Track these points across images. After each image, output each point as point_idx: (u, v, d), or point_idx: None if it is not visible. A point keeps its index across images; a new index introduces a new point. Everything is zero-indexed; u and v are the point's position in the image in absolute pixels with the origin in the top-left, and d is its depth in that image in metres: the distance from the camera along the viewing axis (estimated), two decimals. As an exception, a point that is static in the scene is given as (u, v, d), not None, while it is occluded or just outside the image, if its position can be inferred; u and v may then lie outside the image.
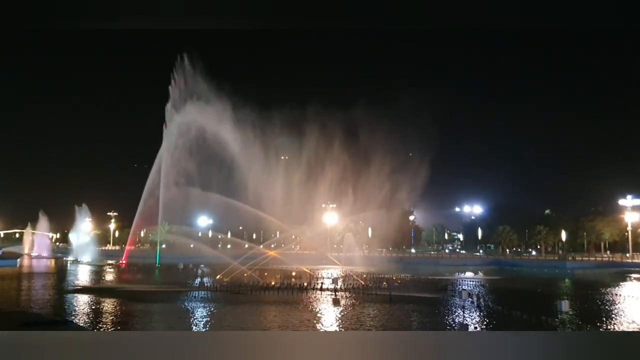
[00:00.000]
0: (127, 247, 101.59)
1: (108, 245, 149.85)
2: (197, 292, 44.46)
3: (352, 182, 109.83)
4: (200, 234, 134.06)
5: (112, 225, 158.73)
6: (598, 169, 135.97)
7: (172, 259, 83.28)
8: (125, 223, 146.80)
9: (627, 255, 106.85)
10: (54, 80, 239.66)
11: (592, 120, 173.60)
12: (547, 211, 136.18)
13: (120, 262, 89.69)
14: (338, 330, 29.12)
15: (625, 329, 30.08)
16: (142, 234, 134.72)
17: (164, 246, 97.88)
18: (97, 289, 48.02)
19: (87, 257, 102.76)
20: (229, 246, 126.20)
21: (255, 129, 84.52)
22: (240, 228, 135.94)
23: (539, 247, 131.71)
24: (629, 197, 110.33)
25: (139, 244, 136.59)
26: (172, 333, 20.61)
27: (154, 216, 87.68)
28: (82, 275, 66.64)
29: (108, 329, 28.11)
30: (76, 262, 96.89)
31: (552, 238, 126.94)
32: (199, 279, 55.91)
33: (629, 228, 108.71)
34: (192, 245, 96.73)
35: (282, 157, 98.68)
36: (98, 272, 72.05)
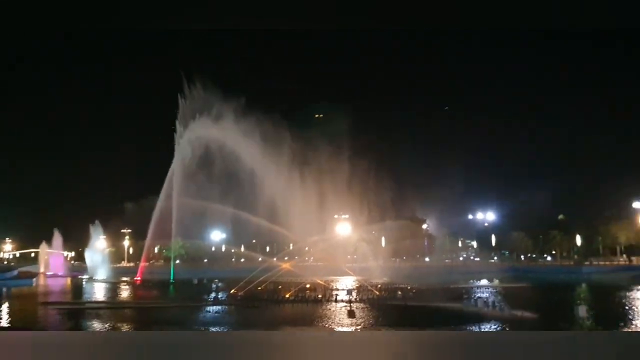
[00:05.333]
0: (142, 264, 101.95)
1: (123, 262, 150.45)
2: (211, 307, 44.61)
3: (365, 192, 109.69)
4: (214, 249, 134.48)
5: (126, 242, 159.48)
6: (610, 173, 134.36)
7: (186, 274, 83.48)
8: (139, 240, 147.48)
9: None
10: (64, 94, 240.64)
11: (602, 124, 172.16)
12: (560, 216, 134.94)
13: (135, 278, 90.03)
14: (338, 330, 29.10)
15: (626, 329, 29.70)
16: (156, 250, 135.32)
17: (177, 261, 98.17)
18: (110, 306, 48.32)
19: (102, 275, 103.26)
20: (242, 260, 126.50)
21: (265, 139, 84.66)
22: (254, 241, 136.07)
23: (554, 252, 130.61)
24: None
25: (153, 260, 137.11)
26: (172, 333, 20.69)
27: (167, 232, 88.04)
28: (98, 293, 67.04)
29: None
30: (91, 280, 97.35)
31: (567, 243, 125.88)
32: (213, 294, 56.04)
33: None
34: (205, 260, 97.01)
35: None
36: (113, 289, 72.39)
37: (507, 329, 30.56)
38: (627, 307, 41.81)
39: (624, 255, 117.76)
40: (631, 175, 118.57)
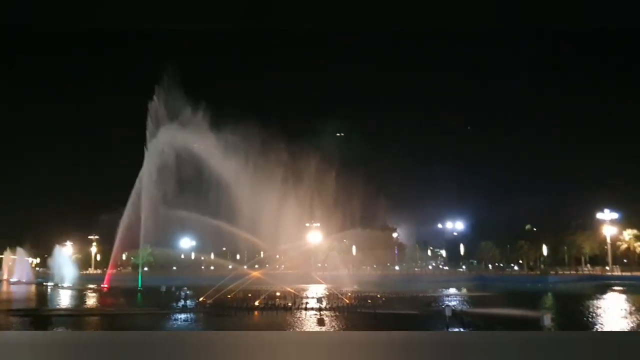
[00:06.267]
0: (109, 271, 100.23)
1: (89, 269, 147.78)
2: (179, 315, 44.16)
3: (336, 200, 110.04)
4: (183, 256, 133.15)
5: (93, 249, 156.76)
6: (576, 185, 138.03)
7: (154, 282, 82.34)
8: (106, 246, 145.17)
9: (607, 268, 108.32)
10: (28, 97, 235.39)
11: (569, 138, 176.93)
12: (527, 226, 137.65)
13: (102, 285, 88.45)
14: (337, 330, 29.23)
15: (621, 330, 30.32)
16: (124, 257, 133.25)
17: (146, 269, 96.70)
18: (75, 313, 47.49)
19: (68, 282, 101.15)
20: (212, 267, 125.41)
21: (237, 147, 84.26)
22: (224, 249, 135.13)
23: (520, 262, 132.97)
24: (606, 210, 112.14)
25: (121, 268, 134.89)
26: (172, 333, 20.51)
27: (136, 239, 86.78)
28: (63, 300, 65.69)
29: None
30: (57, 286, 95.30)
31: (534, 253, 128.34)
32: (181, 302, 55.50)
33: (609, 241, 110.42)
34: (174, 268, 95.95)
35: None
36: (79, 297, 71.00)
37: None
38: (590, 316, 42.79)
39: (588, 265, 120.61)
40: (596, 187, 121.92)
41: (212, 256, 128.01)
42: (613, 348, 7.79)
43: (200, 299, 53.71)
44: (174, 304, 52.87)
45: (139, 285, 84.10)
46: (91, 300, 65.68)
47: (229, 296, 53.89)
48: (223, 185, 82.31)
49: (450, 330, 33.30)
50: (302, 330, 27.78)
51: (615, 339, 9.37)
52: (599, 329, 34.82)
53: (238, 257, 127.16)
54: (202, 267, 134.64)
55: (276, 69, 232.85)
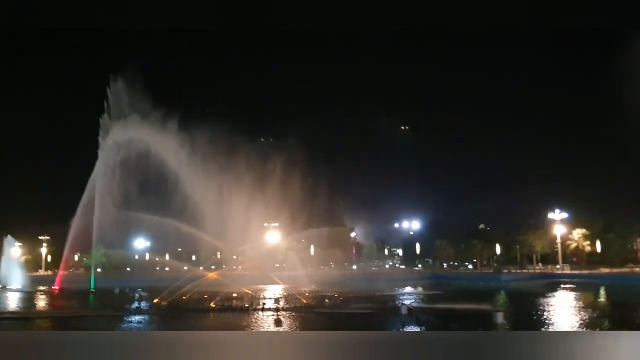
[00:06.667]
0: (60, 272, 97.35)
1: (40, 270, 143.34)
2: (133, 317, 43.38)
3: (295, 200, 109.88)
4: (137, 257, 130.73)
5: (44, 250, 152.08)
6: (528, 184, 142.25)
7: (108, 284, 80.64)
8: (58, 247, 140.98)
9: (558, 266, 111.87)
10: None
11: (523, 140, 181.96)
12: (481, 226, 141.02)
13: (53, 287, 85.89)
14: (335, 330, 29.18)
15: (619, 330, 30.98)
16: (76, 258, 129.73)
17: (99, 270, 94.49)
18: (22, 316, 45.99)
19: (16, 284, 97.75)
20: (167, 269, 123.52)
21: (195, 146, 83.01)
22: (180, 250, 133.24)
23: (475, 260, 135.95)
24: (557, 210, 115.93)
25: (73, 269, 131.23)
26: (172, 333, 20.12)
27: (89, 240, 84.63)
28: (11, 302, 63.46)
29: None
30: (4, 289, 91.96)
31: (487, 252, 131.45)
32: (136, 303, 54.54)
33: (559, 240, 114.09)
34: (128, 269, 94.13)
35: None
36: (28, 299, 68.71)
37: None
38: (540, 314, 44.05)
39: (540, 264, 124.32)
40: (547, 188, 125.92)
41: (168, 257, 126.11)
42: (613, 348, 7.95)
43: (155, 300, 52.82)
44: (128, 306, 51.96)
45: (92, 287, 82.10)
46: (41, 303, 63.72)
47: (185, 298, 53.15)
48: (180, 185, 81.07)
49: (406, 329, 33.71)
50: (299, 330, 27.72)
51: (616, 339, 9.56)
52: (552, 328, 35.87)
53: (194, 258, 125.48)
54: (157, 269, 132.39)
55: (250, 70, 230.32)
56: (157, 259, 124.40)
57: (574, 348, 7.97)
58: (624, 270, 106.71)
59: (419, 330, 32.90)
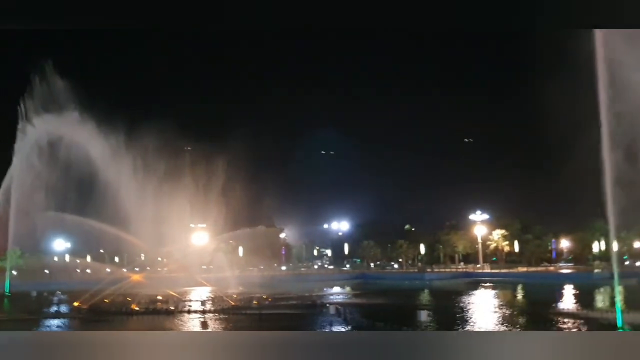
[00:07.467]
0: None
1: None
2: (52, 321, 41.52)
3: (223, 201, 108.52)
4: (56, 259, 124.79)
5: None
6: (451, 187, 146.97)
7: (24, 287, 76.57)
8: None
9: (478, 265, 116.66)
10: None
11: (446, 141, 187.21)
12: (407, 226, 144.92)
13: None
14: (333, 330, 28.80)
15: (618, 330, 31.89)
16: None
17: (14, 273, 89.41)
18: None
19: None
20: (88, 271, 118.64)
21: (120, 143, 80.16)
22: (101, 251, 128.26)
23: (400, 260, 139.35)
24: (478, 212, 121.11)
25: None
26: (172, 333, 19.32)
27: (3, 241, 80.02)
28: None
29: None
30: None
31: (412, 251, 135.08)
32: (54, 307, 52.30)
33: (479, 240, 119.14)
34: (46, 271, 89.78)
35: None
36: None
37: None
38: (463, 310, 45.78)
39: (462, 263, 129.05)
40: (470, 189, 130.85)
41: (89, 259, 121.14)
42: (613, 348, 8.16)
43: (75, 303, 50.74)
44: (46, 310, 49.74)
45: (7, 290, 77.73)
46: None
47: (107, 300, 51.37)
48: (102, 185, 78.25)
49: (333, 328, 34.01)
50: (298, 330, 27.19)
51: (616, 339, 9.88)
52: (470, 327, 37.24)
53: (117, 259, 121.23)
54: (78, 271, 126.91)
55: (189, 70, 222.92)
56: (78, 261, 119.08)
57: (492, 348, 8.23)
58: (539, 268, 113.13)
59: (345, 330, 33.29)
